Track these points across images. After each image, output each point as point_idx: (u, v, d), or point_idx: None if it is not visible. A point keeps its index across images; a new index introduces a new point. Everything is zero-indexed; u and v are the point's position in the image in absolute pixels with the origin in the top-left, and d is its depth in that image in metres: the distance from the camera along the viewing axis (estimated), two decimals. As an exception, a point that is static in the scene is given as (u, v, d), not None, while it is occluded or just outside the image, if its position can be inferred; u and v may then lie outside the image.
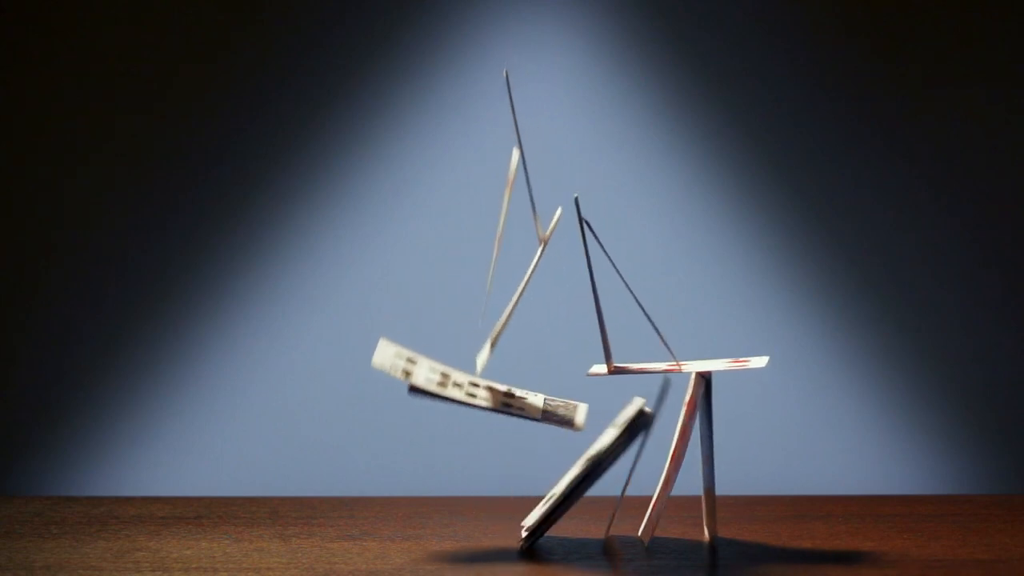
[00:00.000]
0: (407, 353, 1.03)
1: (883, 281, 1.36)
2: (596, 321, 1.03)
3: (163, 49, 1.40)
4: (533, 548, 1.02)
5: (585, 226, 1.01)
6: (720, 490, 1.34)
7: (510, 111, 1.04)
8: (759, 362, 1.03)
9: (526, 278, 1.05)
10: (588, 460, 1.03)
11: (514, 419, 1.37)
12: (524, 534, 1.03)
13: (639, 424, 1.03)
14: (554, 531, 1.06)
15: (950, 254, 1.36)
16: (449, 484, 1.36)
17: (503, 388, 1.03)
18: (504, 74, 1.04)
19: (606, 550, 1.02)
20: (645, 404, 1.04)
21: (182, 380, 1.38)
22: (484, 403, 1.01)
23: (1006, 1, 1.36)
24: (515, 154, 1.05)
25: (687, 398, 1.03)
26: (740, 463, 1.36)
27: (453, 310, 1.38)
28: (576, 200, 1.01)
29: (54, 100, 1.40)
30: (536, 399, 1.04)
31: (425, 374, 1.02)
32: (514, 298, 1.04)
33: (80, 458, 1.38)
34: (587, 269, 1.03)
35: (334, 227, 1.38)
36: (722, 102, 1.37)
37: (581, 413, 1.03)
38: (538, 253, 1.05)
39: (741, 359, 1.04)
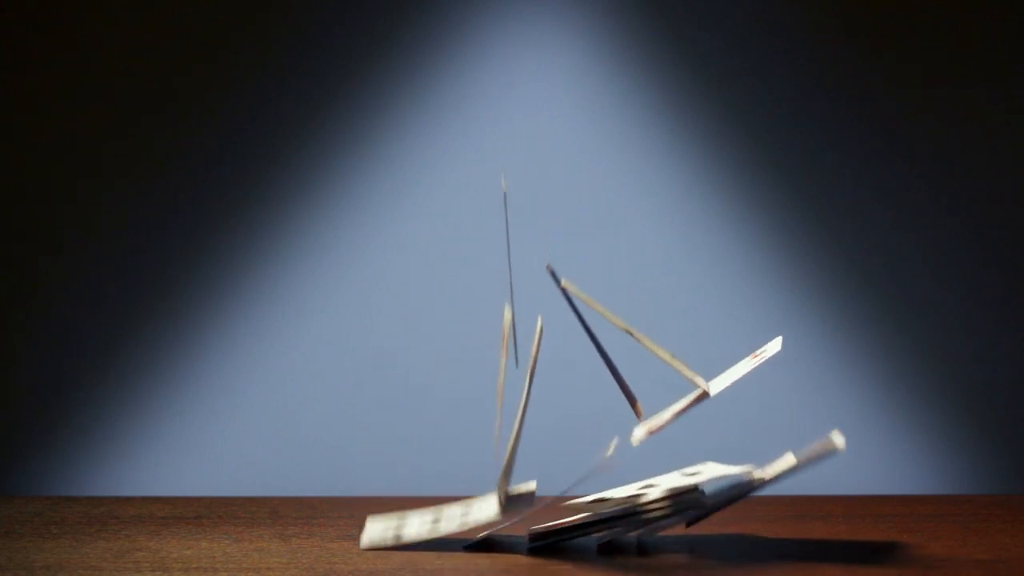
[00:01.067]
0: (394, 516, 1.05)
1: (883, 281, 1.36)
2: (611, 376, 1.02)
3: (163, 49, 1.40)
4: (535, 547, 1.02)
5: (565, 293, 1.00)
6: (720, 490, 1.34)
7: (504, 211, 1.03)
8: (774, 347, 1.02)
9: (521, 412, 1.03)
10: (633, 498, 1.02)
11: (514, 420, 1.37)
12: (542, 529, 1.02)
13: (686, 501, 1.00)
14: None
15: (950, 254, 1.35)
16: (449, 484, 1.36)
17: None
18: (503, 185, 1.03)
19: (606, 549, 1.02)
20: (703, 486, 1.01)
21: (182, 380, 1.38)
22: (486, 515, 1.01)
23: (1006, 1, 1.36)
24: (507, 313, 1.04)
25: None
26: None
27: (453, 310, 1.38)
28: (550, 270, 1.00)
29: (54, 100, 1.40)
30: (529, 484, 1.05)
31: (416, 525, 1.03)
32: (512, 437, 1.03)
33: (80, 458, 1.38)
34: (585, 333, 1.01)
35: (334, 227, 1.38)
36: (722, 102, 1.37)
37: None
38: (527, 381, 1.03)
39: (756, 353, 1.03)
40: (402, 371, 1.37)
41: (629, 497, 1.00)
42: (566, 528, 1.02)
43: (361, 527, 1.12)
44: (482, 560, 0.98)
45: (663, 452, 1.37)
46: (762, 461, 1.44)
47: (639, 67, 1.38)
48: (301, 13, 1.39)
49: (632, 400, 1.01)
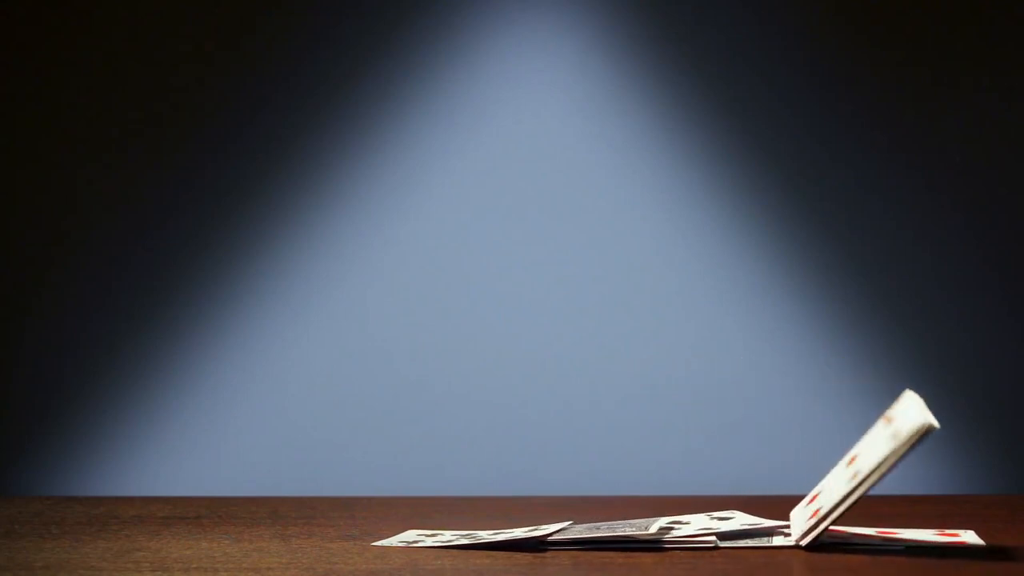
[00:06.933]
0: (427, 533, 1.07)
1: (883, 281, 1.36)
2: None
3: (164, 48, 1.40)
4: (539, 547, 1.02)
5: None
6: (720, 490, 1.34)
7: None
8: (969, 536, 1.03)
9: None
10: (662, 531, 1.03)
11: (515, 420, 1.37)
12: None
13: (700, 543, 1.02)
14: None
15: (950, 254, 1.35)
16: (449, 484, 1.36)
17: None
18: None
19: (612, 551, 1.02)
20: (722, 538, 1.02)
21: (182, 380, 1.38)
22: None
23: (1007, 1, 1.36)
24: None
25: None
26: (740, 463, 1.36)
27: (453, 310, 1.38)
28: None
29: (54, 102, 1.40)
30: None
31: (447, 537, 1.05)
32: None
33: (80, 458, 1.38)
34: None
35: (334, 227, 1.38)
36: (722, 102, 1.37)
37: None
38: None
39: (947, 531, 1.04)
40: (402, 371, 1.37)
41: (660, 529, 1.02)
42: (581, 540, 1.03)
43: (361, 527, 1.12)
44: (482, 560, 0.98)
45: (665, 452, 1.37)
46: (766, 467, 1.43)
47: (639, 67, 1.38)
48: (301, 14, 1.39)
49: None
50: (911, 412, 0.99)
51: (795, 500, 1.15)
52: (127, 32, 1.40)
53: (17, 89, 1.40)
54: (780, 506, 1.17)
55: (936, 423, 0.96)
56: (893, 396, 1.36)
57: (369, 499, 1.28)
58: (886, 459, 0.97)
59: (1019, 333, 1.35)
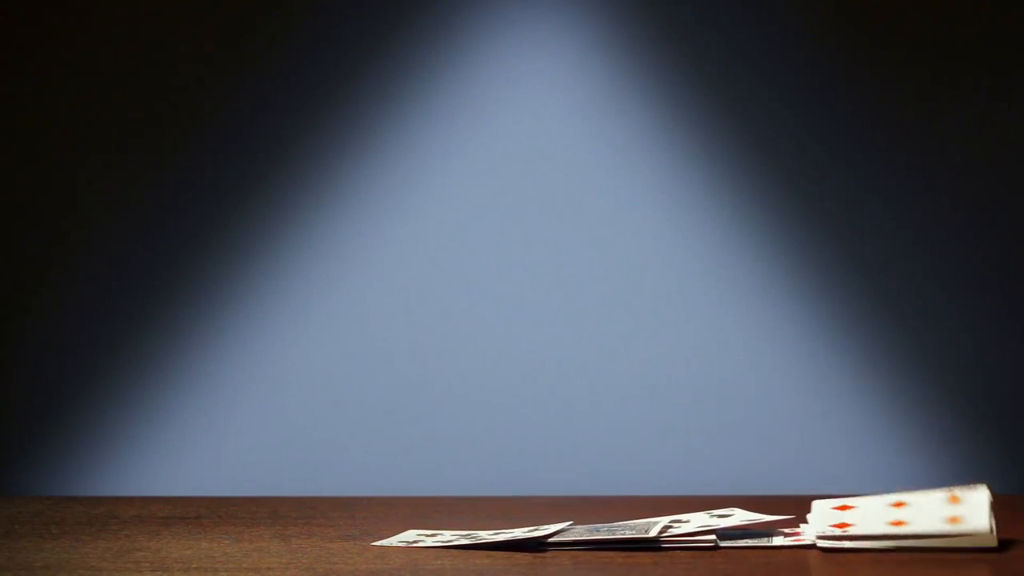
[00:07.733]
0: (427, 533, 1.07)
1: (883, 281, 1.36)
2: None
3: (164, 46, 1.40)
4: (539, 547, 1.02)
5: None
6: (720, 490, 1.34)
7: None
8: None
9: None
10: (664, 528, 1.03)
11: (515, 420, 1.37)
12: (561, 540, 1.02)
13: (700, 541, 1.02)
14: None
15: (950, 254, 1.35)
16: (449, 484, 1.36)
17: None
18: None
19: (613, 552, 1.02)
20: (721, 536, 1.02)
21: (182, 380, 1.38)
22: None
23: (1007, 1, 1.36)
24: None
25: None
26: (740, 463, 1.36)
27: (453, 310, 1.38)
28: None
29: (53, 102, 1.40)
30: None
31: (447, 537, 1.05)
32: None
33: (80, 458, 1.38)
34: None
35: (334, 227, 1.38)
36: (722, 102, 1.37)
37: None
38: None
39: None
40: (402, 371, 1.37)
41: (660, 530, 1.03)
42: (581, 541, 1.03)
43: (361, 527, 1.12)
44: (482, 560, 0.98)
45: (665, 452, 1.37)
46: (766, 467, 1.43)
47: (639, 67, 1.38)
48: (301, 14, 1.39)
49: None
50: (979, 515, 1.00)
51: (795, 500, 1.15)
52: (127, 32, 1.40)
53: (17, 89, 1.40)
54: (780, 506, 1.17)
55: (996, 541, 0.99)
56: (893, 396, 1.36)
57: (369, 499, 1.27)
58: (933, 537, 0.99)
59: (1019, 333, 1.35)
